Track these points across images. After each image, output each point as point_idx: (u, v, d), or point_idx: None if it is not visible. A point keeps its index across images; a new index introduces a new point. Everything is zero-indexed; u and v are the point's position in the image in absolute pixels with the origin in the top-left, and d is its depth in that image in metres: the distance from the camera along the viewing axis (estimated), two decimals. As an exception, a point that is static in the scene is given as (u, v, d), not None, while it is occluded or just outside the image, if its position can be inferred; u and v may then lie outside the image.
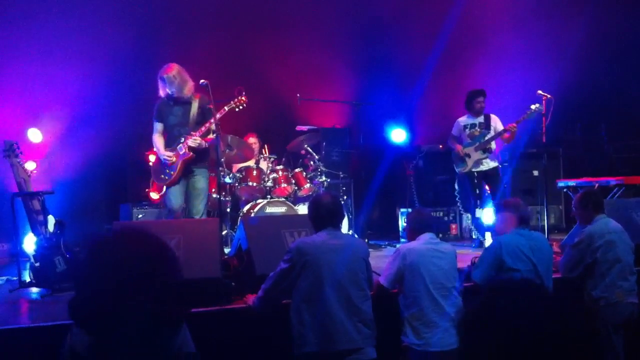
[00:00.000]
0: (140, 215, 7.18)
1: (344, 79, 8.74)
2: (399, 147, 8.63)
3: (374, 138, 8.52)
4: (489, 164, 6.93)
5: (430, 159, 8.55)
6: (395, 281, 3.79)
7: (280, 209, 6.70)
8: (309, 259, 3.36)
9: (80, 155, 7.44)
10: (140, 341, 1.43)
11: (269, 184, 6.99)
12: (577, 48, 8.20)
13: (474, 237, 7.28)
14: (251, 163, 7.28)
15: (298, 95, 7.25)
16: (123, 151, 8.10)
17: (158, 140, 5.54)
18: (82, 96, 7.50)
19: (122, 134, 7.76)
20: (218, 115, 5.33)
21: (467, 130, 7.03)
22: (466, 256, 5.04)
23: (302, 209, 6.74)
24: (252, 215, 6.50)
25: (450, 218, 8.09)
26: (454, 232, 8.06)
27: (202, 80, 5.30)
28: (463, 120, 7.12)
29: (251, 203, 6.85)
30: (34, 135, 7.35)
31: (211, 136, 5.44)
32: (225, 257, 4.77)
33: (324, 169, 7.33)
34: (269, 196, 6.92)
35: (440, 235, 7.38)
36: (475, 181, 6.99)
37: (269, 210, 6.64)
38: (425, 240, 3.84)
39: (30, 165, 5.68)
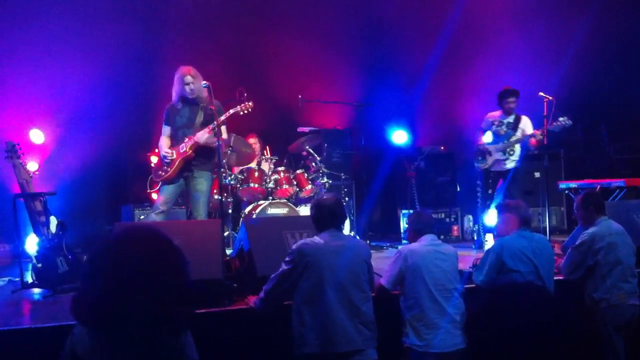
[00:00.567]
0: (141, 217, 7.18)
1: (345, 80, 8.74)
2: (400, 148, 8.64)
3: (376, 139, 8.52)
4: (506, 166, 6.74)
5: (432, 160, 8.54)
6: (397, 282, 3.79)
7: (281, 210, 6.71)
8: (310, 260, 3.37)
9: (82, 156, 7.44)
10: (140, 341, 1.43)
11: (271, 185, 6.99)
12: (578, 49, 8.19)
13: (475, 238, 7.27)
14: (253, 164, 7.28)
15: (299, 96, 7.26)
16: (125, 152, 8.11)
17: (163, 142, 5.54)
18: (84, 97, 7.51)
19: (124, 135, 7.77)
20: (222, 118, 5.32)
21: (494, 127, 6.84)
22: (467, 258, 5.04)
23: (304, 210, 6.75)
24: (254, 216, 6.51)
25: (452, 219, 8.09)
26: (455, 233, 8.06)
27: (204, 82, 5.31)
28: (493, 116, 6.92)
29: (253, 204, 6.86)
30: (36, 136, 7.36)
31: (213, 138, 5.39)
32: (227, 258, 4.77)
33: (325, 170, 7.34)
34: (270, 197, 6.93)
35: (442, 236, 7.37)
36: (490, 181, 6.84)
37: (271, 211, 6.65)
38: (427, 241, 3.85)
39: (32, 166, 5.68)
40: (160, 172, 5.48)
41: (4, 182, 6.19)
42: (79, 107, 7.52)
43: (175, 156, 5.37)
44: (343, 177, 7.72)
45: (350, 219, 7.19)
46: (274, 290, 3.52)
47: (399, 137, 8.67)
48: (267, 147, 7.81)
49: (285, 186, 7.04)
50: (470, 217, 8.19)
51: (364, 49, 9.21)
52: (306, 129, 8.16)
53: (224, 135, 5.48)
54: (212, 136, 5.26)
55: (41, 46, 7.31)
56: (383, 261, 5.11)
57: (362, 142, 7.57)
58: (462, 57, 8.92)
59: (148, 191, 7.34)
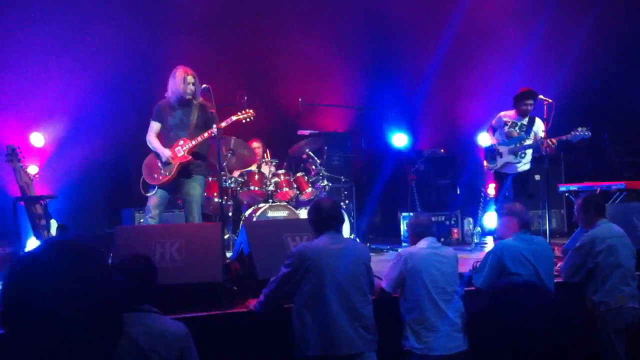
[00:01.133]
0: (142, 220, 7.18)
1: (345, 83, 8.75)
2: (401, 151, 8.64)
3: (376, 142, 8.53)
4: (518, 169, 6.62)
5: (432, 163, 8.54)
6: (397, 285, 3.79)
7: (282, 213, 6.71)
8: (310, 263, 3.37)
9: (83, 159, 7.44)
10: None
11: (271, 188, 7.00)
12: (579, 51, 8.20)
13: (475, 241, 7.27)
14: (253, 167, 7.29)
15: (300, 99, 7.26)
16: (125, 155, 8.09)
17: (154, 140, 5.42)
18: (84, 100, 7.50)
19: (124, 138, 7.75)
20: (223, 124, 5.30)
21: (507, 128, 6.66)
22: (468, 260, 5.03)
23: (304, 213, 6.74)
24: (254, 219, 6.51)
25: (452, 222, 8.08)
26: (455, 236, 8.05)
27: (204, 85, 5.30)
28: (506, 115, 6.72)
29: (253, 207, 6.86)
30: (37, 139, 7.37)
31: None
32: (227, 261, 4.76)
33: (325, 173, 7.34)
34: (270, 200, 6.93)
35: (442, 239, 7.37)
36: (504, 182, 6.67)
37: (271, 214, 6.65)
38: (427, 244, 3.85)
39: (32, 170, 5.70)
40: (156, 175, 5.38)
41: (4, 186, 6.19)
42: (79, 110, 7.52)
43: (174, 161, 5.32)
44: (343, 180, 7.72)
45: (350, 221, 7.19)
46: (274, 293, 3.52)
47: (399, 140, 8.67)
48: (268, 150, 7.81)
49: (285, 189, 7.04)
50: (471, 219, 8.19)
51: (364, 52, 9.21)
52: (306, 132, 8.16)
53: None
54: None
55: (41, 49, 7.31)
56: (383, 264, 5.10)
57: (362, 145, 7.58)
58: (463, 60, 8.92)
59: (146, 194, 7.32)
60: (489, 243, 7.44)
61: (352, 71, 8.88)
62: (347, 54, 8.99)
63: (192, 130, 5.35)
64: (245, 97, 5.64)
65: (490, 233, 7.65)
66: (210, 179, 6.27)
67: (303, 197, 7.22)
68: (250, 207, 6.95)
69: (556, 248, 5.19)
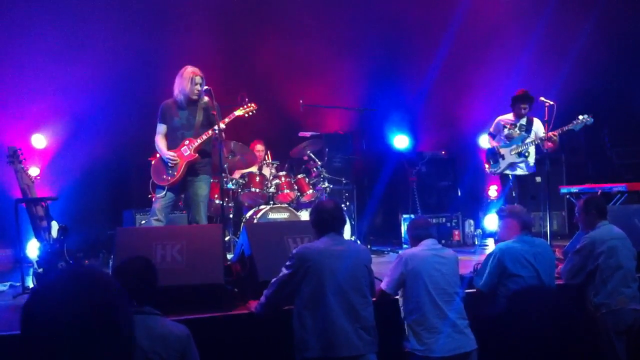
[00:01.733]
0: (143, 221, 7.18)
1: (347, 85, 8.75)
2: (402, 153, 8.65)
3: (377, 144, 8.54)
4: (524, 170, 6.66)
5: (433, 165, 8.55)
6: (397, 287, 3.79)
7: (282, 215, 6.71)
8: (311, 265, 3.37)
9: (84, 161, 7.46)
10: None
11: (272, 190, 7.00)
12: (580, 53, 8.20)
13: (476, 243, 7.27)
14: (254, 169, 7.29)
15: (301, 101, 7.27)
16: (126, 157, 8.11)
17: (161, 142, 5.42)
18: (85, 102, 7.52)
19: (126, 140, 7.77)
20: (227, 120, 5.32)
21: (506, 130, 6.74)
22: (468, 262, 5.03)
23: (305, 215, 6.75)
24: (255, 221, 6.51)
25: (453, 224, 8.08)
26: (456, 238, 8.05)
27: (205, 87, 5.31)
28: (504, 119, 6.82)
29: (254, 209, 6.87)
30: (38, 141, 7.39)
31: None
32: (228, 263, 4.77)
33: (326, 174, 7.34)
34: (271, 202, 6.93)
35: (443, 241, 7.37)
36: (510, 184, 6.69)
37: (272, 216, 6.66)
38: (427, 246, 3.85)
39: (34, 171, 5.70)
40: (164, 175, 5.37)
41: (5, 187, 6.20)
42: (81, 112, 7.54)
43: (179, 160, 5.33)
44: (344, 181, 7.72)
45: (351, 223, 7.19)
46: (275, 295, 3.52)
47: (401, 141, 8.68)
48: (269, 152, 7.82)
49: (286, 191, 7.05)
50: (472, 221, 8.20)
51: (365, 54, 9.22)
52: (307, 134, 8.16)
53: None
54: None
55: (42, 51, 7.33)
56: (384, 266, 5.10)
57: (363, 147, 7.57)
58: (464, 62, 8.93)
59: (151, 196, 7.33)
60: (490, 245, 7.44)
61: (353, 73, 8.89)
62: (348, 56, 9.00)
63: (198, 130, 5.36)
64: (247, 99, 5.64)
65: (491, 235, 7.66)
66: (211, 180, 6.27)
67: (304, 199, 7.22)
68: (251, 208, 6.96)
69: (557, 250, 5.19)
